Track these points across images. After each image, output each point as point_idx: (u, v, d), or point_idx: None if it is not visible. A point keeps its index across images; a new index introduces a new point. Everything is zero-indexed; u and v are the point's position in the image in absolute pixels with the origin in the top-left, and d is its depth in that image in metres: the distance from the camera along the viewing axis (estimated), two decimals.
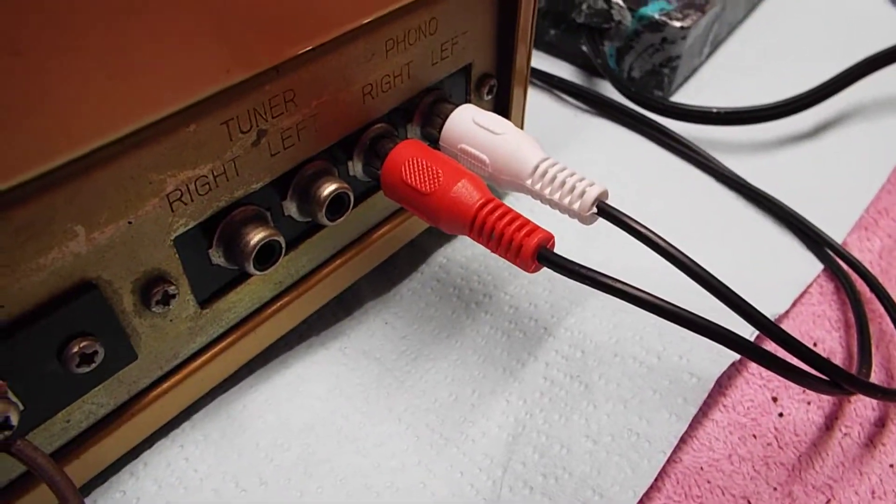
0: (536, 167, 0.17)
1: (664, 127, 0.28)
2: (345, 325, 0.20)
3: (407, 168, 0.17)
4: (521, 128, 0.24)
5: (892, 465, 0.19)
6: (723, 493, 0.18)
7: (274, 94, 0.14)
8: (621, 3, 0.29)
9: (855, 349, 0.21)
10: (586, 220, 0.17)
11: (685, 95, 0.31)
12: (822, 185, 0.27)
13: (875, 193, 0.27)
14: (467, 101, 0.21)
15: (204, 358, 0.16)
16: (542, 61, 0.33)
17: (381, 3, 0.15)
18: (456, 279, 0.22)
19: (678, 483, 0.18)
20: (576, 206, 0.17)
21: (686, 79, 0.32)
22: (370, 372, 0.19)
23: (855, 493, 0.18)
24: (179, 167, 0.13)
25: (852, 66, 0.28)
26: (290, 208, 0.17)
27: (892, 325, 0.22)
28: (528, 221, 0.16)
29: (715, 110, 0.27)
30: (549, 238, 0.16)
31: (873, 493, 0.18)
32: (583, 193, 0.17)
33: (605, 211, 0.17)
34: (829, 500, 0.18)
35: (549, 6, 0.31)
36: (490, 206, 0.16)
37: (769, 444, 0.19)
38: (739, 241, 0.24)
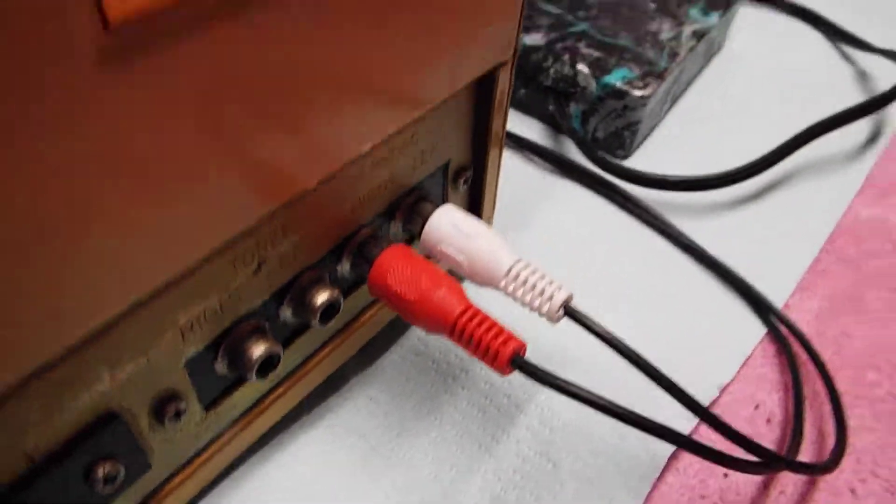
0: (509, 270, 0.19)
1: (625, 191, 0.30)
2: (332, 402, 0.22)
3: (392, 276, 0.19)
4: (494, 200, 0.26)
5: None
6: None
7: (274, 228, 0.16)
8: (586, 70, 0.31)
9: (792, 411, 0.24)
10: (553, 319, 0.19)
11: (645, 153, 0.33)
12: (766, 248, 0.29)
13: (815, 255, 0.29)
14: (444, 192, 0.23)
15: (207, 454, 0.18)
16: (511, 118, 0.34)
17: (375, 134, 0.17)
18: (434, 352, 0.24)
19: None
20: (545, 308, 0.19)
21: (647, 135, 0.34)
22: (357, 449, 0.21)
23: None
24: (192, 304, 0.15)
25: (797, 135, 0.31)
26: (286, 314, 0.18)
27: (824, 387, 0.25)
28: (503, 329, 0.18)
29: (670, 179, 0.30)
30: (522, 346, 0.18)
31: None
32: (551, 297, 0.19)
33: (570, 313, 0.19)
34: None
35: (518, 67, 0.33)
36: (468, 313, 0.18)
37: (713, 501, 0.22)
38: (691, 307, 0.27)
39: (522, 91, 0.34)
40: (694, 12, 0.36)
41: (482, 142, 0.23)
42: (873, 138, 0.35)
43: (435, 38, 0.17)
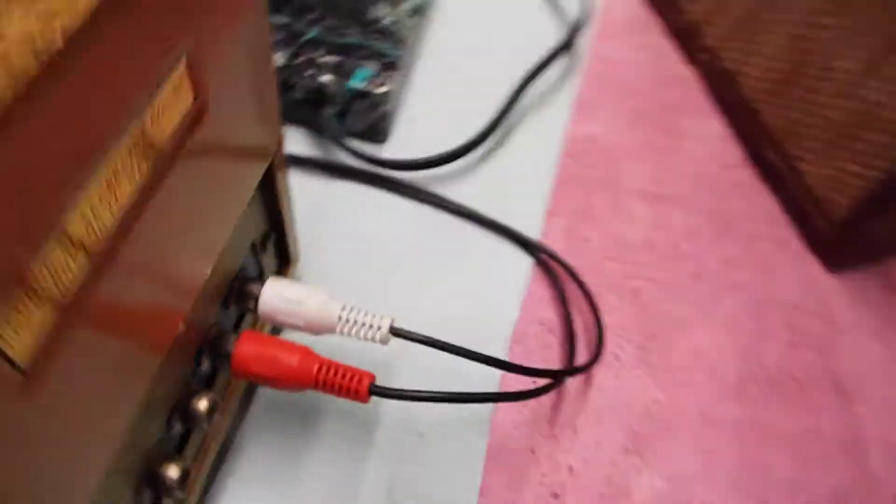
0: (338, 318, 0.25)
1: (395, 178, 0.36)
2: (231, 461, 0.27)
3: (252, 363, 0.23)
4: (295, 239, 0.30)
5: (601, 389, 0.32)
6: (518, 451, 0.29)
7: (154, 376, 0.20)
8: (330, 78, 0.36)
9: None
10: (385, 343, 0.25)
11: (403, 135, 0.39)
12: (517, 189, 0.37)
13: (552, 181, 0.38)
14: (259, 262, 0.27)
15: None
16: None
17: (211, 258, 0.21)
18: None
19: (493, 459, 0.29)
20: (376, 337, 0.25)
21: (398, 117, 0.40)
22: (271, 492, 0.26)
23: (583, 419, 0.31)
24: (108, 485, 0.19)
25: (516, 89, 0.38)
26: (177, 429, 0.22)
27: (579, 289, 0.34)
28: (355, 371, 0.24)
29: (423, 160, 0.36)
30: (373, 378, 0.24)
31: (597, 419, 0.31)
32: (379, 328, 0.25)
33: (396, 333, 0.25)
34: (574, 431, 0.30)
35: None
36: (323, 370, 0.24)
37: (533, 409, 0.31)
38: (478, 263, 0.34)
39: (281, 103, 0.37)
40: None
41: (275, 206, 0.27)
42: (572, 65, 0.44)
43: (227, 175, 0.21)
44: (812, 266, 0.37)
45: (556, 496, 0.28)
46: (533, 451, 0.29)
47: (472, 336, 0.32)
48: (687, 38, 0.46)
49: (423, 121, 0.40)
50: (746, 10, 0.41)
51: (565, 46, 0.41)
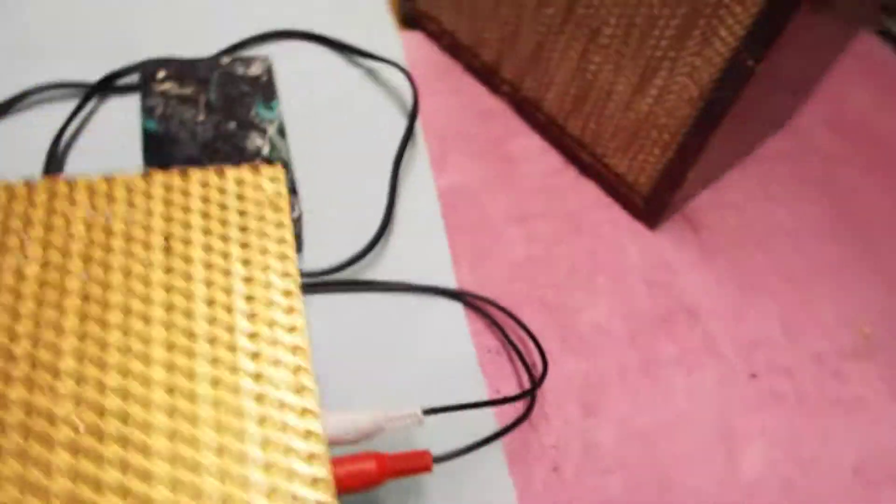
0: (386, 420, 0.33)
1: (331, 280, 0.44)
2: None
3: (348, 481, 0.31)
4: None
5: (549, 380, 0.44)
6: (518, 450, 0.40)
7: None
8: None
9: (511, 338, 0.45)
10: (422, 424, 0.34)
11: (309, 240, 0.47)
12: (425, 251, 0.47)
13: (445, 235, 0.49)
14: None
15: None
16: None
17: None
18: None
19: (508, 454, 0.39)
20: (414, 423, 0.34)
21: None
22: None
23: (548, 407, 0.42)
24: None
25: (391, 176, 0.48)
26: None
27: (501, 312, 0.45)
28: (416, 452, 0.33)
29: (349, 259, 0.44)
30: (429, 454, 0.33)
31: (556, 402, 0.43)
32: (414, 415, 0.34)
33: (428, 412, 0.34)
34: (546, 419, 0.42)
35: None
36: (393, 463, 0.32)
37: (514, 416, 0.42)
38: (425, 324, 0.44)
39: None
40: (262, 111, 0.48)
41: None
42: (415, 130, 0.54)
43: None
44: (641, 231, 0.52)
45: (555, 469, 0.40)
46: (526, 445, 0.41)
47: (455, 384, 0.42)
48: (487, 76, 0.58)
49: (321, 223, 0.47)
50: (530, 52, 0.53)
51: (410, 131, 0.51)
